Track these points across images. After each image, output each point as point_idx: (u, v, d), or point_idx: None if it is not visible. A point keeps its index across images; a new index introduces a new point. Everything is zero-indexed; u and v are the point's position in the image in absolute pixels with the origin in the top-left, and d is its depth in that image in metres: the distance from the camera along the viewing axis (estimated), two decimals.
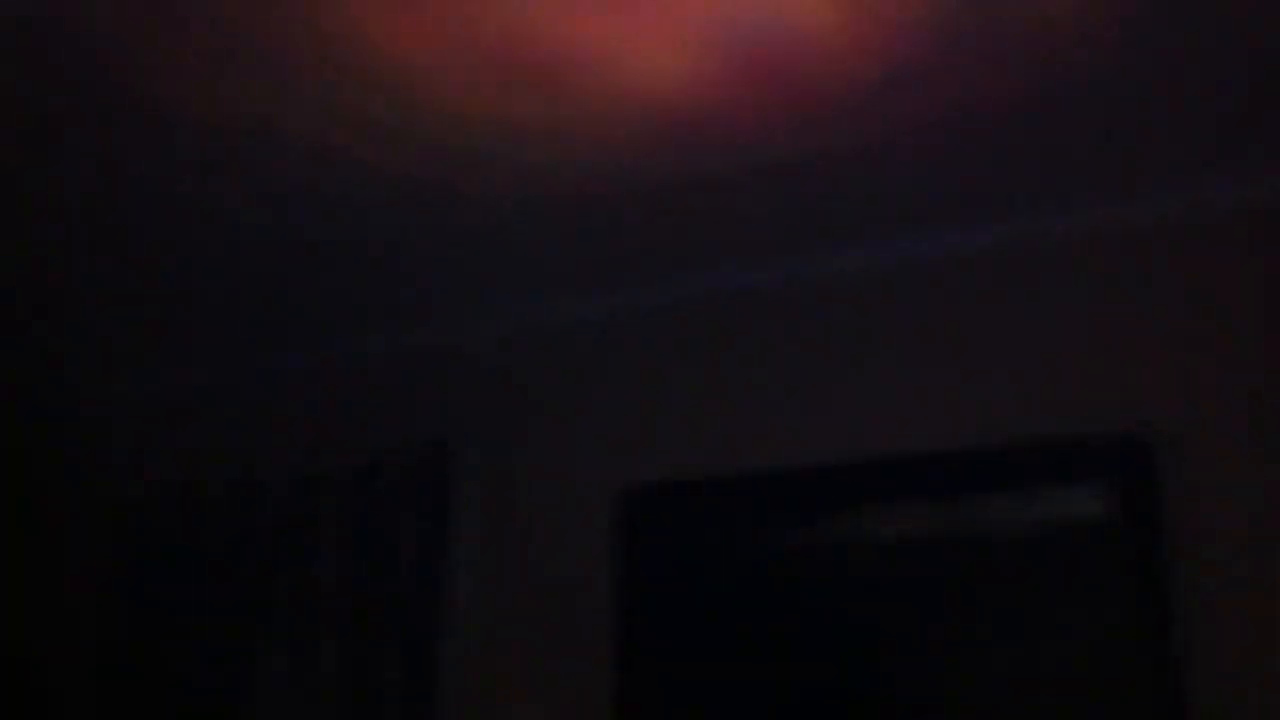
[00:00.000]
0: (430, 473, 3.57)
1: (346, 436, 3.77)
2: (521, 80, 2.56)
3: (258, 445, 3.89)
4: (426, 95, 2.61)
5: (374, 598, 3.54)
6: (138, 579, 3.85)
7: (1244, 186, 2.97)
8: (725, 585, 3.24)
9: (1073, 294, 3.08)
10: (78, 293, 3.52)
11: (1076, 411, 3.00)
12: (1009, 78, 2.56)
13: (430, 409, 3.70)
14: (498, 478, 3.58)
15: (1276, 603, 2.74)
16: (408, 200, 3.05)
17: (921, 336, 3.21)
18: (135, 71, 2.52)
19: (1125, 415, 2.95)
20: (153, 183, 2.96)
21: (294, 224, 3.15)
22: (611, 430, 3.48)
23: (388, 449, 3.63)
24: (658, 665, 3.23)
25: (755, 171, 2.92)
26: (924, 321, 3.22)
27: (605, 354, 3.55)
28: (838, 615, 3.09)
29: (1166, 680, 2.76)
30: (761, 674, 3.13)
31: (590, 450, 3.49)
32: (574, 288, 3.52)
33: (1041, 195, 3.05)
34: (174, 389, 4.09)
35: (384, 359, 3.80)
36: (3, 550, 4.18)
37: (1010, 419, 3.06)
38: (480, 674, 3.45)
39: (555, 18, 2.36)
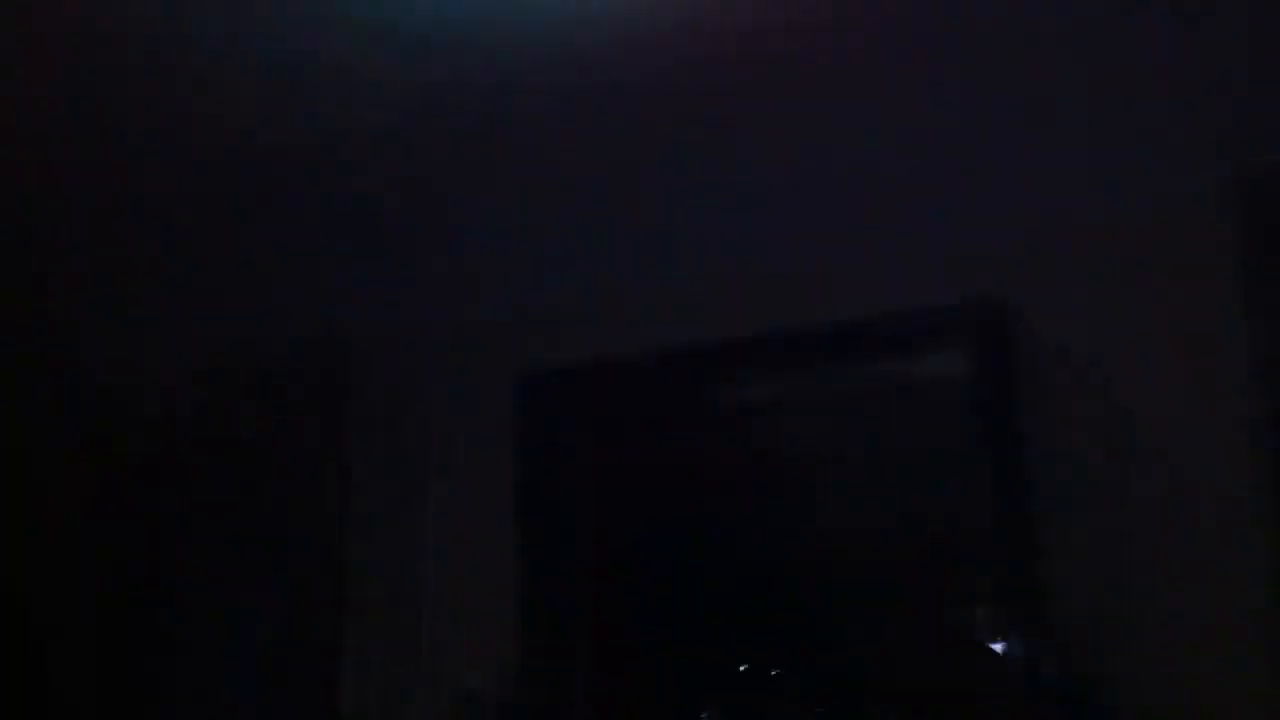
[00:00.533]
0: (328, 366, 3.66)
1: (243, 332, 3.79)
2: None
3: (160, 342, 3.88)
4: None
5: (279, 493, 3.63)
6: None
7: None
8: (620, 459, 3.47)
9: None
10: None
11: (936, 281, 3.18)
12: None
13: (326, 302, 3.70)
14: (398, 370, 3.68)
15: (1121, 454, 2.97)
16: (301, 93, 2.98)
17: (791, 217, 3.31)
18: None
19: (980, 283, 3.13)
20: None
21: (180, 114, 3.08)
22: (507, 317, 3.59)
23: (285, 345, 3.71)
24: (561, 544, 3.38)
25: None
26: (795, 204, 3.28)
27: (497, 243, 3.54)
28: (726, 480, 3.33)
29: (1020, 528, 2.98)
30: (660, 543, 3.36)
31: (487, 337, 3.61)
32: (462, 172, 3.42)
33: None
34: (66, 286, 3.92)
35: (279, 256, 3.70)
36: None
37: (874, 291, 3.23)
38: (389, 565, 3.54)
39: None
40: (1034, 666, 2.87)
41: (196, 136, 3.25)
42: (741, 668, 3.13)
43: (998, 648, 2.95)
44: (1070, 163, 3.06)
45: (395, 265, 3.65)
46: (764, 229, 3.39)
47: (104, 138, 3.22)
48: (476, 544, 3.48)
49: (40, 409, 3.94)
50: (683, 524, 3.34)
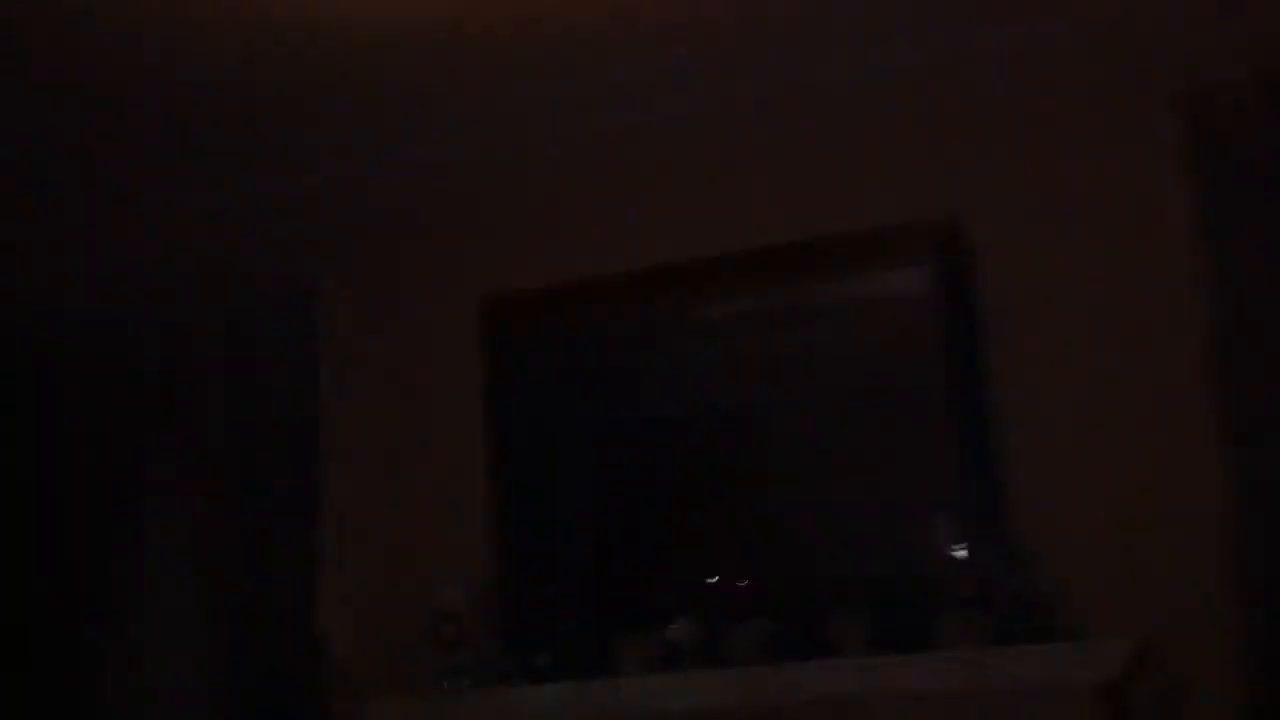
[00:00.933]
0: (297, 305, 3.67)
1: (215, 277, 3.83)
2: None
3: (128, 292, 3.92)
4: None
5: (253, 429, 3.67)
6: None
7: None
8: (587, 380, 3.51)
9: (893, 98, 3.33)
10: None
11: (898, 202, 3.25)
12: None
13: (294, 242, 3.79)
14: (366, 303, 3.70)
15: (1073, 365, 3.09)
16: (258, 46, 3.07)
17: (757, 141, 3.43)
18: None
19: (941, 204, 3.21)
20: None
21: (150, 64, 3.17)
22: (471, 245, 3.65)
23: (256, 285, 3.73)
24: (529, 463, 3.45)
25: None
26: (762, 129, 3.43)
27: (460, 175, 3.70)
28: (693, 397, 3.40)
29: (978, 433, 3.10)
30: (628, 458, 3.41)
31: (452, 265, 3.65)
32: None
33: None
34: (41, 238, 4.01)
35: (245, 200, 3.82)
36: None
37: (839, 211, 3.29)
38: (361, 491, 3.60)
39: None
40: (992, 572, 2.98)
41: (154, 81, 3.27)
42: (711, 579, 3.21)
43: (958, 554, 3.05)
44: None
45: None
46: (727, 152, 3.45)
47: (67, 83, 3.23)
48: (448, 464, 3.54)
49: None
50: (649, 439, 3.39)
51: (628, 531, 3.36)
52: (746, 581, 3.20)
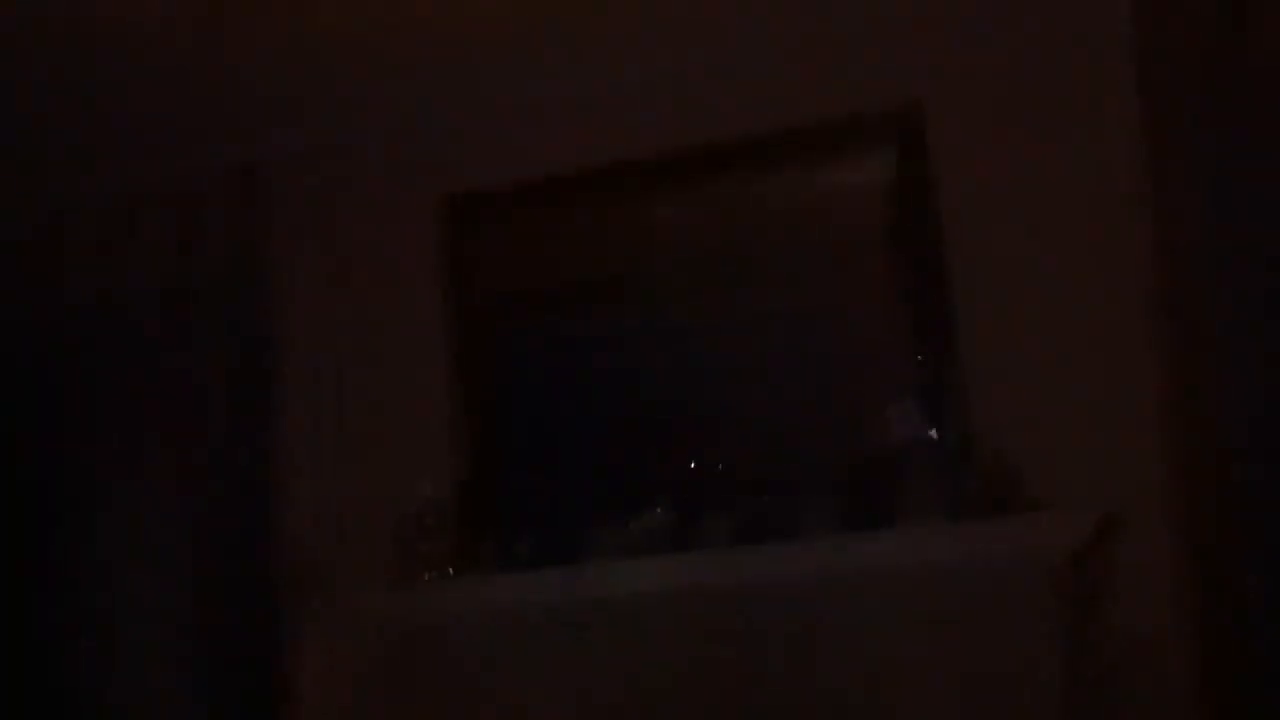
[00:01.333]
0: (245, 196, 3.65)
1: (158, 165, 3.76)
2: None
3: (65, 182, 3.83)
4: None
5: (199, 331, 3.66)
6: None
7: None
8: (549, 273, 3.54)
9: None
10: None
11: (856, 89, 3.30)
12: None
13: (242, 130, 3.69)
14: (319, 195, 3.68)
15: (1029, 245, 3.17)
16: None
17: (710, 29, 3.36)
18: None
19: (899, 92, 3.27)
20: None
21: None
22: (430, 143, 3.62)
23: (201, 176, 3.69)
24: (493, 367, 3.48)
25: None
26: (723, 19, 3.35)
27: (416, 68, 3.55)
28: (661, 290, 3.42)
29: (938, 321, 3.20)
30: (601, 349, 3.45)
31: (410, 163, 3.64)
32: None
33: None
34: None
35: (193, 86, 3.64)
36: None
37: (797, 100, 3.33)
38: (327, 390, 3.60)
39: None
40: (955, 451, 3.08)
41: None
42: (691, 464, 3.28)
43: (923, 435, 3.13)
44: None
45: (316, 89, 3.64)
46: (684, 42, 3.44)
47: None
48: (413, 361, 3.56)
49: None
50: (616, 333, 3.43)
51: (601, 423, 3.40)
52: (724, 466, 3.26)
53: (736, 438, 3.30)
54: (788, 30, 3.37)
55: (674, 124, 3.43)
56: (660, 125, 3.43)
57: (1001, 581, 2.96)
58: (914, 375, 3.20)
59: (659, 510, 3.20)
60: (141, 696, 3.61)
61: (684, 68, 3.45)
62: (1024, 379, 3.13)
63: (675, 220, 3.47)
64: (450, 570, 3.28)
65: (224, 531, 3.57)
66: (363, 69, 3.62)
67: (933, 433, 3.13)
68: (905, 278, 3.25)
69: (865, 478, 3.15)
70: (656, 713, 3.10)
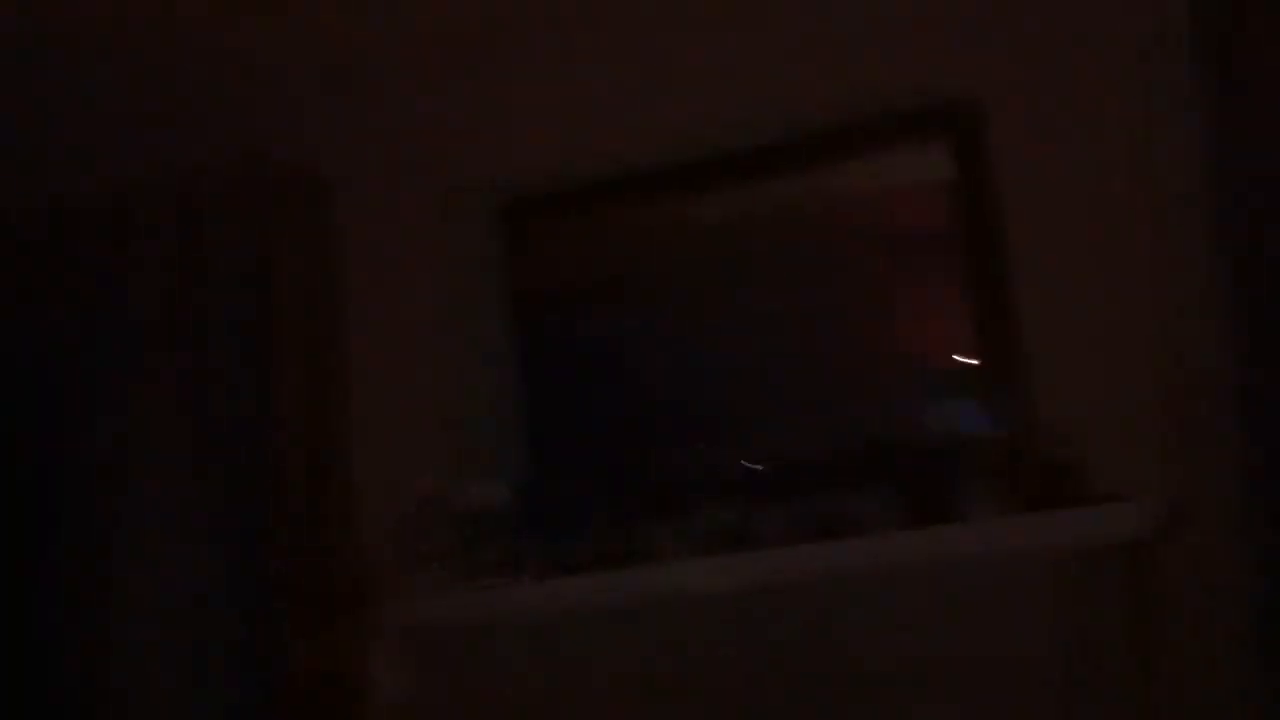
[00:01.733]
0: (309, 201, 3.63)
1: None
2: None
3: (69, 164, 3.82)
4: None
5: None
6: None
7: None
8: (608, 273, 3.55)
9: None
10: None
11: (911, 80, 3.26)
12: None
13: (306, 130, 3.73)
14: (376, 198, 3.67)
15: (1094, 245, 3.13)
16: None
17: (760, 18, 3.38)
18: None
19: (957, 82, 3.24)
20: None
21: None
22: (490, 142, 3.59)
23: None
24: (553, 361, 3.51)
25: None
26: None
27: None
28: (712, 288, 3.45)
29: (999, 309, 3.18)
30: (651, 352, 3.47)
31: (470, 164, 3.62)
32: None
33: None
34: None
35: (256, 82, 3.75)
36: None
37: (849, 92, 3.31)
38: (382, 391, 3.59)
39: None
40: (1016, 441, 3.06)
41: None
42: (740, 465, 3.27)
43: (983, 426, 3.12)
44: None
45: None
46: (734, 40, 3.44)
47: None
48: (470, 364, 3.56)
49: None
50: (673, 333, 3.43)
51: (655, 423, 3.39)
52: (763, 467, 3.25)
53: (792, 431, 3.29)
54: (844, 22, 3.34)
55: (720, 122, 3.42)
56: (706, 123, 3.43)
57: (1064, 577, 2.93)
58: (976, 363, 3.18)
59: (716, 509, 3.18)
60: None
61: (733, 62, 3.42)
62: (1086, 373, 3.09)
63: (725, 219, 3.47)
64: (507, 575, 3.28)
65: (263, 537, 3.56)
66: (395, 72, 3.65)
67: (994, 421, 3.12)
68: (965, 266, 3.23)
69: (924, 473, 3.13)
70: (721, 709, 3.08)
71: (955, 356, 3.23)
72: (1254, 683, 2.87)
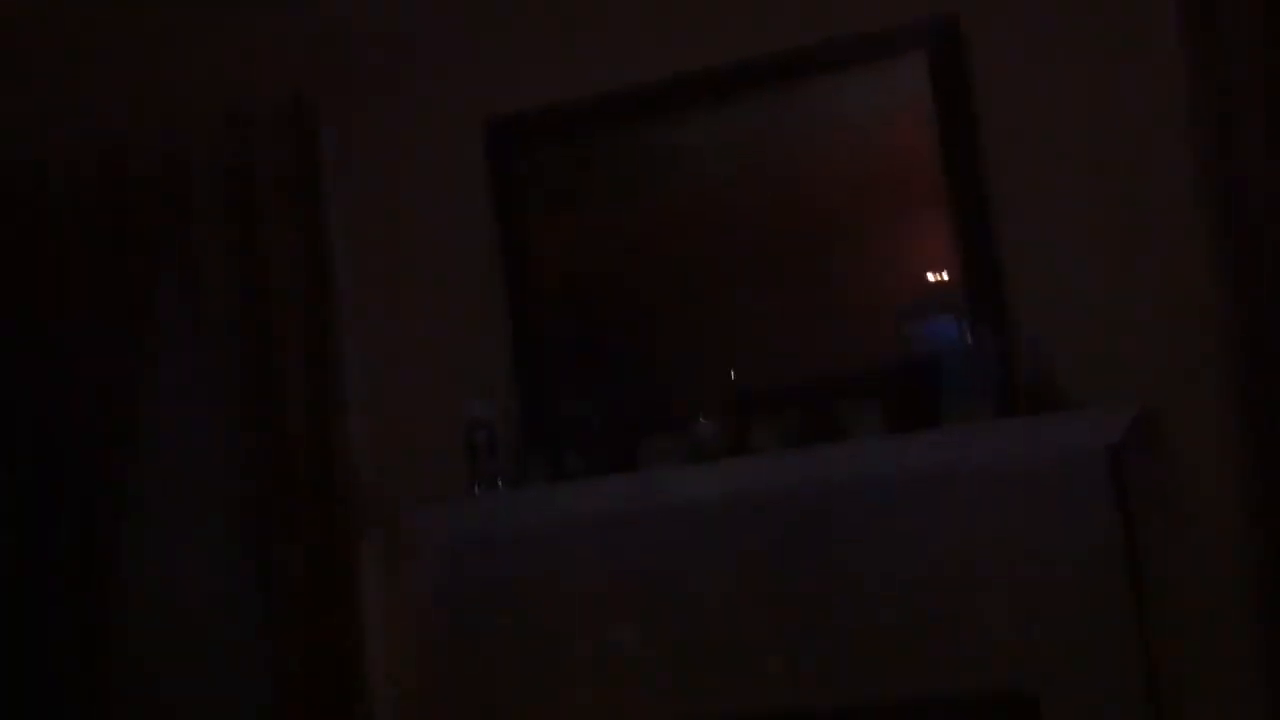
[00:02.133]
0: (295, 124, 3.70)
1: (207, 98, 3.81)
2: None
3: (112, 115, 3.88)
4: None
5: (260, 252, 3.69)
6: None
7: None
8: (595, 192, 3.61)
9: None
10: None
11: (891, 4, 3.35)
12: None
13: (290, 60, 3.78)
14: (366, 124, 3.76)
15: (1066, 155, 3.25)
16: None
17: None
18: None
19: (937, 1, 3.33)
20: None
21: None
22: (472, 68, 3.70)
23: (249, 108, 3.73)
24: (547, 277, 3.57)
25: None
26: None
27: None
28: (699, 205, 3.52)
29: (977, 223, 3.28)
30: (643, 267, 3.54)
31: (453, 88, 3.71)
32: None
33: None
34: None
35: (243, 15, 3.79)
36: None
37: (829, 11, 3.40)
38: (380, 310, 3.71)
39: None
40: (995, 352, 3.18)
41: None
42: (732, 376, 3.38)
43: (963, 337, 3.23)
44: None
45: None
46: None
47: None
48: (465, 279, 3.66)
49: None
50: (662, 248, 3.53)
51: (649, 336, 3.50)
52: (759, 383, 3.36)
53: (783, 346, 3.40)
54: None
55: (701, 42, 3.49)
56: (695, 41, 3.50)
57: (1040, 481, 3.07)
58: (956, 277, 3.29)
59: (708, 420, 3.29)
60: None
61: None
62: (1066, 274, 3.21)
63: (706, 141, 3.53)
64: (503, 484, 3.39)
65: (275, 444, 3.64)
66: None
67: (974, 333, 3.23)
68: (946, 181, 3.31)
69: (908, 382, 3.25)
70: (715, 613, 3.22)
71: (937, 274, 3.33)
72: (1236, 576, 3.02)
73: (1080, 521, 3.03)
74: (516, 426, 3.48)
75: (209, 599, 3.69)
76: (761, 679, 3.18)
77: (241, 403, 3.69)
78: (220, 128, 3.75)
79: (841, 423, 3.25)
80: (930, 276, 3.35)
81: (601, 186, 3.61)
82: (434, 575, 3.51)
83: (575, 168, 3.63)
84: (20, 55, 3.82)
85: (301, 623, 3.57)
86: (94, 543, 3.75)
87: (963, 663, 3.05)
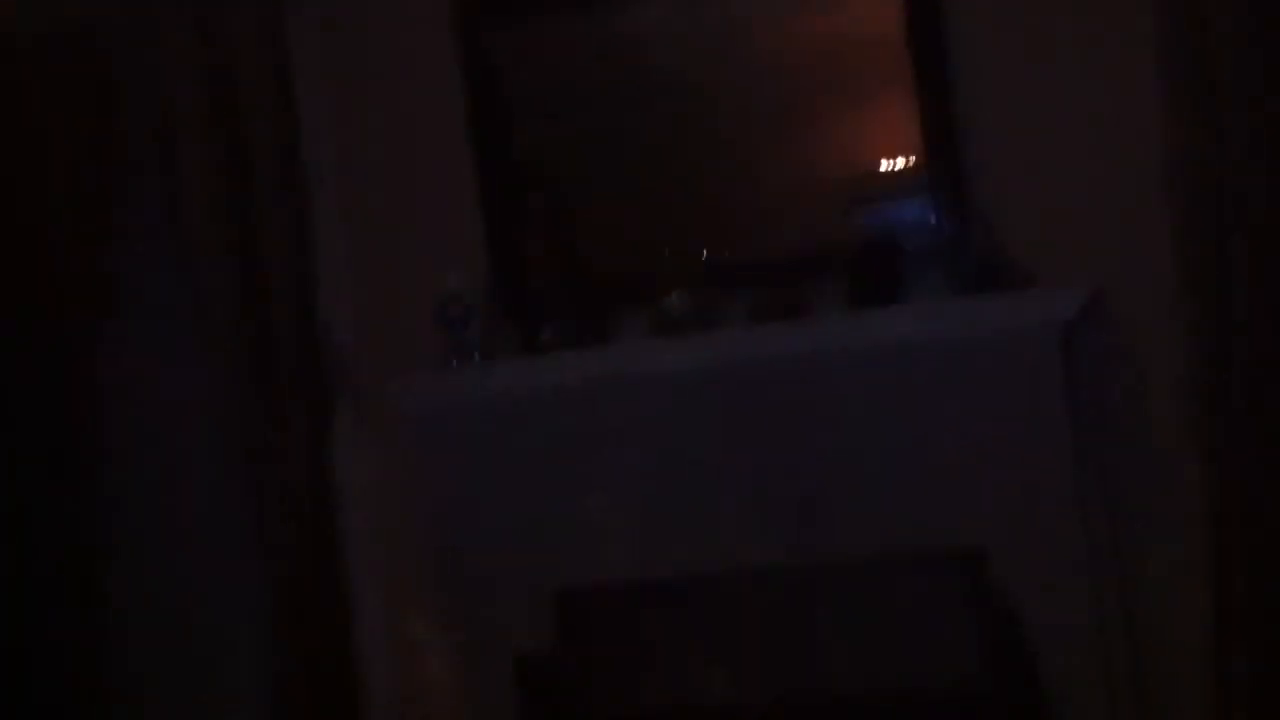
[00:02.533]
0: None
1: None
2: None
3: None
4: None
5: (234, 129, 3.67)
6: None
7: None
8: (563, 76, 3.64)
9: None
10: None
11: None
12: None
13: None
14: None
15: (1029, 45, 3.34)
16: None
17: None
18: None
19: None
20: None
21: None
22: None
23: None
24: (516, 162, 3.63)
25: None
26: None
27: None
28: (669, 83, 3.56)
29: (940, 108, 3.35)
30: (613, 141, 3.60)
31: None
32: None
33: None
34: None
35: None
36: None
37: None
38: (352, 184, 3.73)
39: None
40: (956, 232, 3.32)
41: None
42: (703, 255, 3.49)
43: (924, 219, 3.36)
44: None
45: None
46: None
47: None
48: (435, 155, 3.71)
49: None
50: (635, 123, 3.59)
51: (620, 212, 3.59)
52: (732, 257, 3.47)
53: (751, 224, 3.51)
54: None
55: None
56: None
57: (992, 357, 3.23)
58: (919, 162, 3.39)
59: (677, 295, 3.40)
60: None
61: None
62: (1027, 161, 3.32)
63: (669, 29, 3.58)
64: (477, 357, 3.49)
65: (254, 318, 3.67)
66: None
67: (936, 214, 3.36)
68: (914, 69, 3.38)
69: (871, 261, 3.38)
70: (685, 482, 3.37)
71: (899, 155, 3.43)
72: (1183, 456, 3.16)
73: (1032, 392, 3.20)
74: (489, 300, 3.57)
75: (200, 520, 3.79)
76: (730, 541, 3.34)
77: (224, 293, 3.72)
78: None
79: (807, 299, 3.38)
80: (891, 161, 3.46)
81: (569, 70, 3.65)
82: (410, 448, 3.61)
83: (545, 50, 3.67)
84: None
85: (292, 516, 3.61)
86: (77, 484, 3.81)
87: (921, 522, 3.22)
